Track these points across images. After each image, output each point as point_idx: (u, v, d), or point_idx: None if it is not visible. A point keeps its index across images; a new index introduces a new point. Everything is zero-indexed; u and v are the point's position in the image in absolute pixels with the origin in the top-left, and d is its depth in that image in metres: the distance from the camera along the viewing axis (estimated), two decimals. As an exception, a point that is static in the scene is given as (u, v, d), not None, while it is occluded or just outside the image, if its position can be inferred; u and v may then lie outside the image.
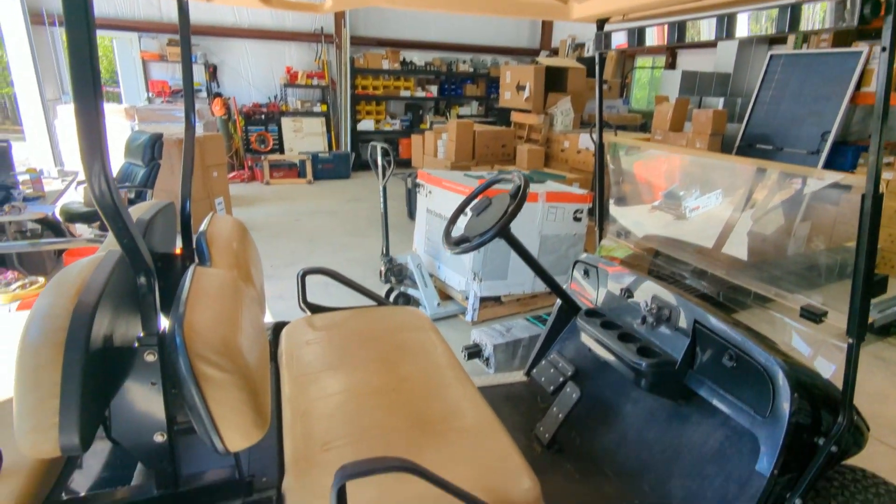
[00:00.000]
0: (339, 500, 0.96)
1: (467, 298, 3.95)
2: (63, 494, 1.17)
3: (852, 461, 1.76)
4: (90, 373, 0.89)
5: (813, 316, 1.50)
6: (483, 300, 3.94)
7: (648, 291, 1.88)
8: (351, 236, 5.86)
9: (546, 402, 2.29)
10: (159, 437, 1.10)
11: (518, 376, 2.46)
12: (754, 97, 6.36)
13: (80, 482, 1.37)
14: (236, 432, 0.99)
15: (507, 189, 1.85)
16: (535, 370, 2.33)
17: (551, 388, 2.19)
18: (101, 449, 1.47)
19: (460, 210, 2.00)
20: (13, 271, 3.60)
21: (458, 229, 2.00)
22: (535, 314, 3.61)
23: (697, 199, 2.54)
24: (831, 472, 1.69)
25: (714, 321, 1.62)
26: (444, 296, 4.22)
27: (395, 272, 4.09)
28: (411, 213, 6.21)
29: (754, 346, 1.49)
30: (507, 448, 1.29)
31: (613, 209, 2.51)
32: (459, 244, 1.78)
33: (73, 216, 4.29)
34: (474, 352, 3.22)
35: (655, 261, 2.20)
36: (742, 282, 1.77)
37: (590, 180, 6.01)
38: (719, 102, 7.06)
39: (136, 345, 1.03)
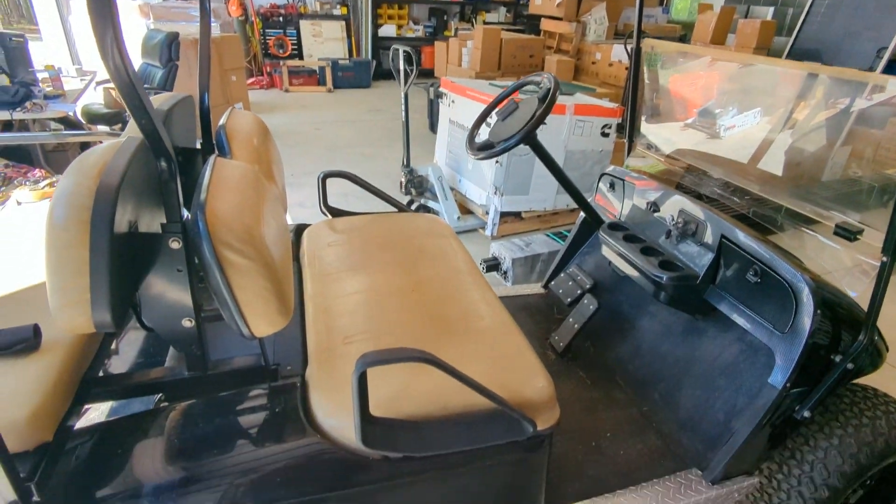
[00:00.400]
0: (359, 386, 0.99)
1: (487, 213, 3.92)
2: (100, 372, 1.23)
3: (863, 381, 1.78)
4: (117, 254, 0.90)
5: (848, 234, 1.45)
6: (503, 215, 3.91)
7: (675, 206, 1.83)
8: (371, 147, 5.77)
9: (562, 314, 2.32)
10: (187, 323, 1.14)
11: (536, 288, 2.48)
12: (808, 7, 5.85)
13: (117, 364, 1.45)
14: (261, 318, 1.02)
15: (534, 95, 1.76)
16: (553, 282, 2.34)
17: (568, 300, 2.21)
18: (134, 337, 1.54)
19: (486, 113, 1.92)
20: (41, 169, 3.65)
21: (483, 136, 1.93)
22: (555, 231, 3.59)
23: (734, 118, 2.40)
24: (842, 390, 1.71)
25: (742, 236, 1.58)
26: (464, 210, 4.20)
27: (416, 184, 4.05)
28: (433, 126, 6.06)
29: (782, 262, 1.46)
30: (522, 348, 1.32)
31: (644, 126, 2.40)
32: (483, 149, 1.73)
33: (94, 117, 4.27)
34: (493, 265, 3.24)
35: (685, 177, 2.12)
36: (775, 197, 1.70)
37: (620, 95, 5.73)
38: (768, 12, 6.53)
39: (161, 231, 1.04)
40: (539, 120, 1.62)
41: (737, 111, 2.38)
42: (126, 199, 0.95)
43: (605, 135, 3.91)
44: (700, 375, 1.74)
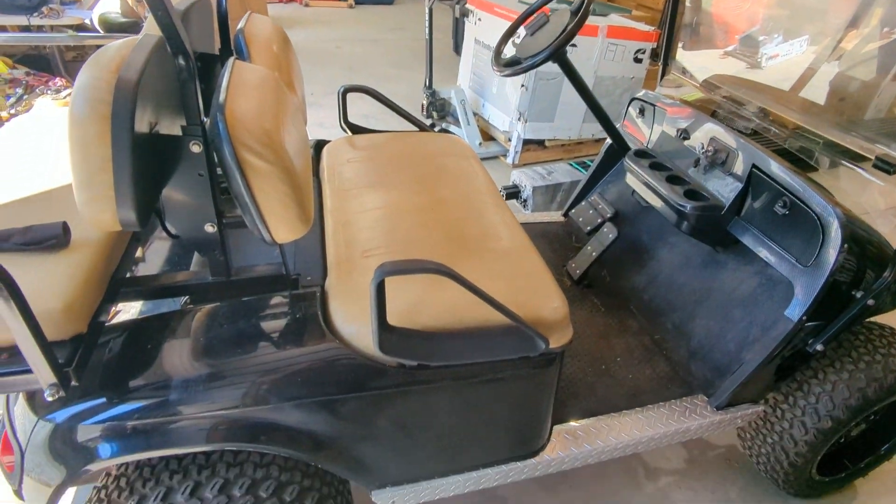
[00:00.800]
0: (377, 295, 1.01)
1: (510, 140, 3.83)
2: (129, 274, 1.27)
3: (881, 320, 1.77)
4: (138, 152, 0.90)
5: (888, 167, 1.39)
6: (526, 143, 3.82)
7: (707, 133, 1.76)
8: (393, 67, 5.59)
9: (580, 243, 2.31)
10: (210, 228, 1.16)
11: (555, 216, 2.46)
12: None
13: (144, 269, 1.50)
14: (282, 224, 1.03)
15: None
16: (573, 210, 2.31)
17: (588, 228, 2.19)
18: (161, 244, 1.58)
19: (515, 26, 1.83)
20: (61, 78, 3.62)
21: (511, 53, 1.84)
22: (578, 160, 3.50)
23: (778, 46, 2.25)
24: (859, 326, 1.71)
25: (774, 166, 1.52)
26: (487, 136, 4.10)
27: (438, 107, 3.95)
28: (457, 47, 5.81)
29: (814, 193, 1.42)
30: (539, 269, 1.32)
31: (680, 54, 2.26)
32: (509, 66, 1.65)
33: (111, 25, 4.16)
34: (513, 192, 3.21)
35: (721, 105, 2.02)
36: (815, 127, 1.62)
37: (657, 19, 5.39)
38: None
39: (182, 134, 1.03)
40: (570, 34, 1.54)
41: (782, 39, 2.23)
42: (145, 97, 0.94)
43: (637, 60, 3.72)
44: (715, 307, 1.74)
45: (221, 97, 0.94)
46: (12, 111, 2.95)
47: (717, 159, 1.69)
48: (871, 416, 1.76)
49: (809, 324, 1.49)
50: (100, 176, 0.87)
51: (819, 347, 1.52)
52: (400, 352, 1.11)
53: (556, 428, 1.53)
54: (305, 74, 5.18)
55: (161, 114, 1.05)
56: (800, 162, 1.71)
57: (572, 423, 1.55)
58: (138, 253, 1.55)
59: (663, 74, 2.12)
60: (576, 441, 1.51)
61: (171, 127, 1.08)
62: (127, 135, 0.85)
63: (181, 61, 0.94)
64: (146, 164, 0.97)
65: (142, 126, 0.93)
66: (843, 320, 1.48)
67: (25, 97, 3.36)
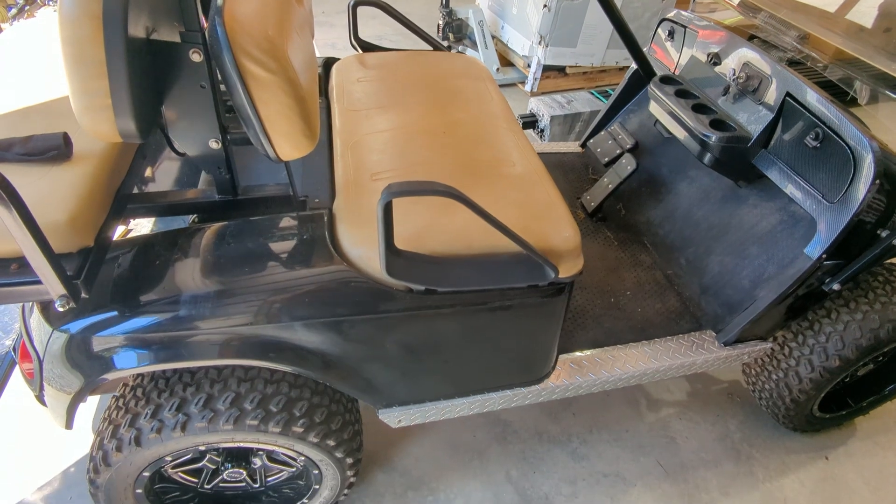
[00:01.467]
0: (385, 216, 0.98)
1: (529, 66, 3.66)
2: (134, 190, 1.26)
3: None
4: (135, 58, 0.86)
5: (934, 97, 1.29)
6: (546, 69, 3.64)
7: (740, 58, 1.64)
8: (409, -14, 5.28)
9: (597, 174, 2.24)
10: (214, 144, 1.12)
11: (572, 146, 2.38)
12: None
13: (151, 186, 1.48)
14: (286, 140, 0.99)
15: None
16: (591, 140, 2.23)
17: (606, 159, 2.12)
18: (169, 162, 1.55)
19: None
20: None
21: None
22: (600, 90, 3.35)
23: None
24: (878, 268, 1.66)
25: (810, 95, 1.43)
26: (505, 62, 3.92)
27: (454, 28, 3.75)
28: (478, -36, 5.45)
29: (850, 125, 1.33)
30: (553, 198, 1.28)
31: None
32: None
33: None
34: (529, 121, 3.10)
35: (758, 27, 1.88)
36: (859, 52, 1.51)
37: (696, -65, 4.97)
38: None
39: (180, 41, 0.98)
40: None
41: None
42: None
43: (671, -19, 3.46)
44: (732, 243, 1.70)
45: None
46: (14, 22, 2.86)
47: (749, 87, 1.59)
48: (879, 357, 1.75)
49: (828, 262, 1.45)
50: (95, 82, 0.83)
51: (836, 287, 1.49)
52: (407, 276, 1.10)
53: (562, 357, 1.54)
54: (316, -9, 4.93)
55: (159, 18, 0.99)
56: (839, 95, 1.61)
57: (578, 353, 1.57)
58: (148, 172, 1.53)
59: (698, -7, 1.96)
60: (580, 370, 1.53)
61: (171, 34, 1.02)
62: (120, 36, 0.80)
63: (176, -43, 0.88)
64: (145, 73, 0.92)
65: (137, 29, 0.88)
66: (864, 260, 1.43)
67: (27, 8, 3.24)
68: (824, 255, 1.41)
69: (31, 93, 1.23)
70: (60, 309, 0.93)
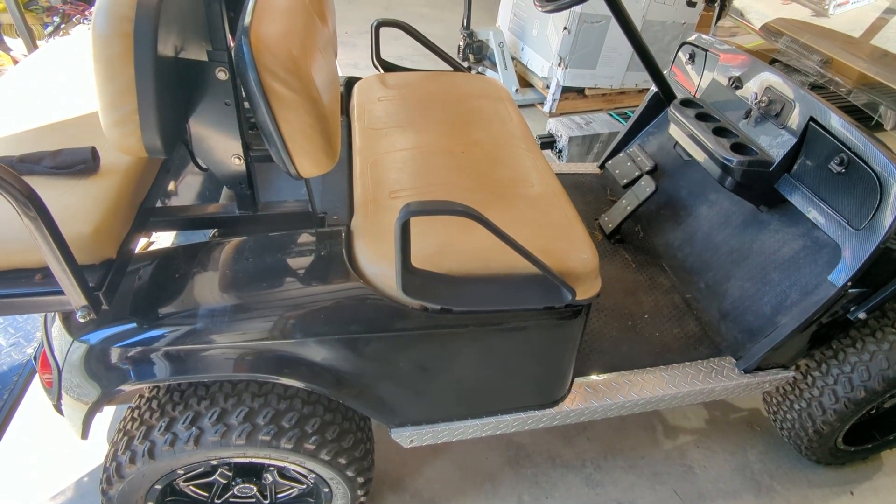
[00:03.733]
0: (402, 235, 0.99)
1: (548, 87, 3.68)
2: (157, 203, 1.28)
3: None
4: (163, 75, 0.88)
5: (963, 124, 1.27)
6: (565, 91, 3.67)
7: (762, 83, 1.63)
8: (430, 7, 5.38)
9: (615, 196, 2.23)
10: (236, 161, 1.14)
11: (590, 167, 2.38)
12: None
13: (174, 199, 1.51)
14: (307, 157, 1.00)
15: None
16: (610, 162, 2.22)
17: (624, 181, 2.11)
18: (191, 177, 1.58)
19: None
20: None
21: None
22: (619, 111, 3.35)
23: (849, -9, 2.05)
24: (906, 297, 1.62)
25: (834, 119, 1.41)
26: (525, 83, 3.95)
27: (475, 49, 3.79)
28: (499, -13, 5.53)
29: (875, 150, 1.31)
30: (571, 219, 1.27)
31: (738, -1, 2.08)
32: (553, 0, 1.55)
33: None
34: (548, 142, 3.10)
35: (780, 52, 1.87)
36: (885, 77, 1.49)
37: (717, -40, 4.99)
38: None
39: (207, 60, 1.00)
40: (622, -34, 1.42)
41: (854, -17, 2.03)
42: (170, 17, 0.91)
43: (691, 4, 3.48)
44: (753, 268, 1.67)
45: (247, 20, 0.90)
46: (50, 39, 2.97)
47: (771, 111, 1.57)
48: (907, 389, 1.69)
49: (853, 290, 1.42)
50: (124, 98, 0.85)
51: (861, 315, 1.45)
52: (423, 295, 1.10)
53: (578, 380, 1.52)
54: (341, 13, 5.04)
55: (187, 37, 1.01)
56: (863, 120, 1.59)
57: (594, 377, 1.54)
58: (171, 186, 1.56)
59: (719, 17, 1.96)
60: (596, 394, 1.50)
61: (198, 52, 1.05)
62: (150, 55, 0.82)
63: (206, -20, 0.90)
64: (172, 90, 0.94)
65: (166, 48, 0.91)
66: (891, 289, 1.40)
67: (63, 26, 3.36)
68: (849, 283, 1.38)
69: (63, 108, 1.27)
70: (81, 320, 0.94)
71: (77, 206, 0.99)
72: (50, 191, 1.00)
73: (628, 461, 1.85)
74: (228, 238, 1.23)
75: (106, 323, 1.09)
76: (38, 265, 0.97)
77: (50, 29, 3.35)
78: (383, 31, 1.76)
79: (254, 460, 1.27)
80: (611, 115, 3.22)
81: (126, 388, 1.13)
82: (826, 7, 2.06)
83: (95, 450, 1.74)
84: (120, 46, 0.82)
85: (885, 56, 1.62)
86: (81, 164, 1.04)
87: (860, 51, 1.68)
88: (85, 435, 1.21)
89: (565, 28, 3.33)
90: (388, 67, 1.89)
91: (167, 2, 0.87)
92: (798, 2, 2.18)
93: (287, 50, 0.91)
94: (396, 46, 4.29)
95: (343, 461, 1.29)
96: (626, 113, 3.27)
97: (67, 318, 1.11)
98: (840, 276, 1.39)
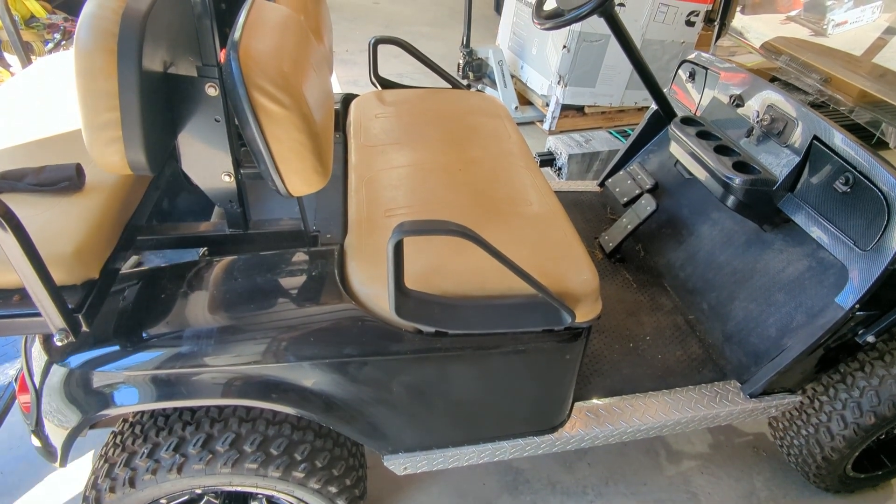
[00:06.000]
0: (395, 256, 0.95)
1: (548, 104, 3.67)
2: (145, 221, 1.25)
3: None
4: (148, 91, 0.85)
5: (971, 143, 1.24)
6: (565, 108, 3.66)
7: (764, 100, 1.61)
8: (431, 26, 5.42)
9: (615, 215, 2.20)
10: (227, 178, 1.11)
11: (590, 185, 2.35)
12: None
13: (164, 218, 1.48)
14: (297, 176, 0.97)
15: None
16: (610, 180, 2.19)
17: (624, 199, 2.08)
18: (183, 194, 1.55)
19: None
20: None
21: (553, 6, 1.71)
22: (619, 129, 3.34)
23: (847, 12, 2.04)
24: (915, 320, 1.57)
25: (838, 138, 1.38)
26: (524, 101, 3.95)
27: (474, 67, 3.80)
28: (498, 8, 5.58)
29: (882, 169, 1.28)
30: (570, 238, 1.24)
31: (738, 18, 2.07)
32: (551, 18, 1.53)
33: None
34: (547, 159, 3.09)
35: (781, 70, 1.85)
36: (887, 94, 1.47)
37: (715, -19, 5.03)
38: None
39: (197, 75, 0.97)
40: (621, -16, 1.40)
41: (852, 3, 2.03)
42: (158, 32, 0.88)
43: (690, 24, 3.49)
44: (757, 289, 1.63)
45: (236, 34, 0.88)
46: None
47: (774, 129, 1.55)
48: (918, 414, 1.64)
49: (861, 313, 1.38)
50: (107, 115, 0.82)
51: (870, 339, 1.41)
52: (417, 317, 1.06)
53: (578, 405, 1.47)
54: (341, 30, 5.07)
55: (177, 53, 0.99)
56: (866, 137, 1.56)
57: (595, 401, 1.49)
58: (162, 204, 1.53)
59: (719, 35, 1.95)
60: (597, 420, 1.45)
61: (188, 68, 1.02)
62: (134, 70, 0.79)
63: (196, -5, 0.88)
64: (158, 105, 0.91)
65: (153, 63, 0.88)
66: (900, 312, 1.36)
67: (63, 42, 3.37)
68: (857, 305, 1.34)
69: (51, 124, 1.24)
70: (59, 343, 0.90)
71: (59, 224, 0.96)
72: (31, 208, 0.97)
73: (630, 488, 1.79)
74: (218, 257, 1.20)
75: (88, 345, 1.05)
76: (16, 285, 0.93)
77: (50, 46, 3.35)
78: (383, 49, 1.75)
79: (240, 489, 1.22)
80: (610, 132, 3.20)
81: (107, 412, 1.09)
82: (825, 27, 2.06)
83: (79, 475, 1.68)
84: (102, 61, 0.79)
85: (885, 74, 1.60)
86: (65, 181, 1.01)
87: (860, 69, 1.66)
88: (63, 462, 1.16)
89: (565, 46, 3.33)
90: (386, 84, 1.87)
91: (156, 16, 0.85)
92: (797, 21, 2.18)
93: (277, 66, 0.89)
94: (396, 65, 4.30)
95: (333, 489, 1.24)
96: (625, 131, 3.26)
97: (47, 340, 1.07)
98: (847, 298, 1.35)
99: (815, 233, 1.45)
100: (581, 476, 1.80)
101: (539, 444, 1.41)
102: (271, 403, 1.11)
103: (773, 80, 1.80)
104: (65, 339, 0.90)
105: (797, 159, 1.48)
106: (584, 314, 1.16)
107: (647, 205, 1.93)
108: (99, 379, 1.05)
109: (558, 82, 3.49)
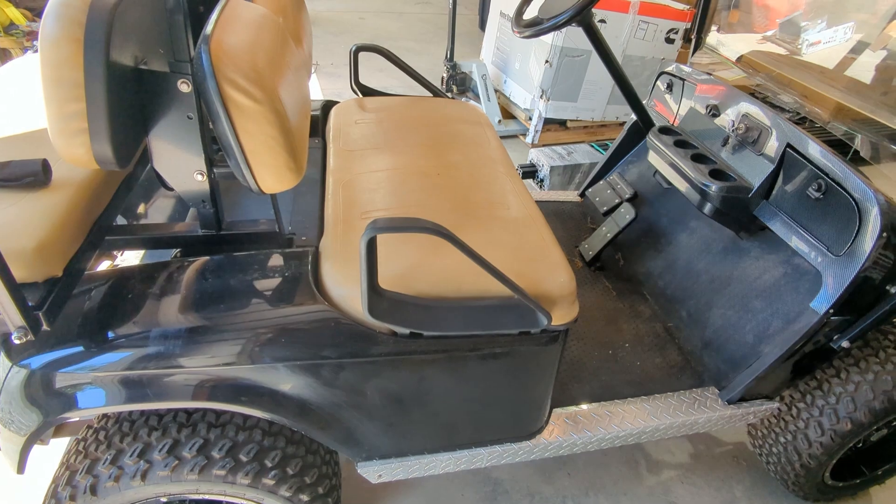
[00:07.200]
0: (368, 254, 0.94)
1: (530, 118, 3.71)
2: (115, 221, 1.22)
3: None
4: (117, 84, 0.84)
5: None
6: (547, 122, 3.70)
7: (739, 110, 1.64)
8: (416, 42, 5.47)
9: (595, 224, 2.21)
10: (199, 177, 1.09)
11: (571, 195, 2.37)
12: None
13: (138, 217, 1.45)
14: (268, 171, 0.96)
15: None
16: (590, 190, 2.21)
17: (604, 209, 2.09)
18: (157, 194, 1.53)
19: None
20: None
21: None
22: (601, 143, 3.38)
23: (821, 33, 2.10)
24: (888, 325, 1.60)
25: (811, 146, 1.41)
26: (507, 114, 3.98)
27: (458, 81, 3.84)
28: (483, 24, 5.65)
29: (853, 176, 1.30)
30: (547, 241, 1.24)
31: (715, 37, 2.12)
32: (530, 26, 1.55)
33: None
34: (529, 171, 3.11)
35: (758, 85, 1.89)
36: (860, 106, 1.50)
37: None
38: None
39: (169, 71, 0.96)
40: (597, -7, 1.43)
41: (825, 25, 2.08)
42: (129, 26, 0.87)
43: (669, 41, 3.56)
44: (735, 296, 1.64)
45: (209, 29, 0.87)
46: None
47: (749, 138, 1.57)
48: (893, 421, 1.65)
49: (836, 318, 1.39)
50: (72, 105, 0.81)
51: (845, 344, 1.42)
52: (391, 318, 1.04)
53: (556, 411, 1.46)
54: (328, 45, 5.10)
55: (149, 48, 0.98)
56: (841, 148, 1.59)
57: (573, 408, 1.48)
58: (140, 206, 1.50)
59: (696, 48, 1.99)
60: (576, 426, 1.44)
61: (161, 64, 1.01)
62: (101, 60, 0.78)
63: (167, -12, 0.87)
64: (127, 99, 0.90)
65: (122, 56, 0.87)
66: (873, 317, 1.37)
67: (36, 42, 3.34)
68: (831, 311, 1.35)
69: (22, 122, 1.22)
70: (17, 341, 0.87)
71: (21, 220, 0.93)
72: (-6, 203, 0.95)
73: (610, 498, 1.77)
74: (190, 258, 1.17)
75: (50, 345, 1.01)
76: None
77: (30, 53, 3.32)
78: (369, 62, 1.75)
79: (207, 497, 1.18)
80: (592, 146, 3.24)
81: (70, 416, 1.05)
82: (799, 46, 2.11)
83: (41, 484, 1.62)
84: (68, 50, 0.77)
85: (861, 87, 1.64)
86: (30, 176, 0.98)
87: (837, 83, 1.70)
88: (21, 469, 1.12)
89: (547, 61, 3.38)
90: (367, 92, 1.88)
91: (126, 9, 0.84)
92: (772, 41, 2.23)
93: (250, 60, 0.88)
94: (381, 78, 4.32)
95: (305, 497, 1.21)
96: (606, 144, 3.29)
97: (6, 341, 1.03)
98: (822, 303, 1.36)
99: (791, 240, 1.47)
100: (561, 486, 1.78)
101: (517, 451, 1.39)
102: (241, 407, 1.08)
103: (751, 94, 1.84)
104: (23, 338, 0.87)
105: (771, 167, 1.50)
106: (561, 317, 1.15)
107: (626, 213, 1.95)
108: (61, 380, 1.02)
109: (541, 96, 3.53)
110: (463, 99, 3.90)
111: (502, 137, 3.84)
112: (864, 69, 1.88)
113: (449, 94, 3.88)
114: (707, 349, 1.65)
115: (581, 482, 1.80)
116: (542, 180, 3.06)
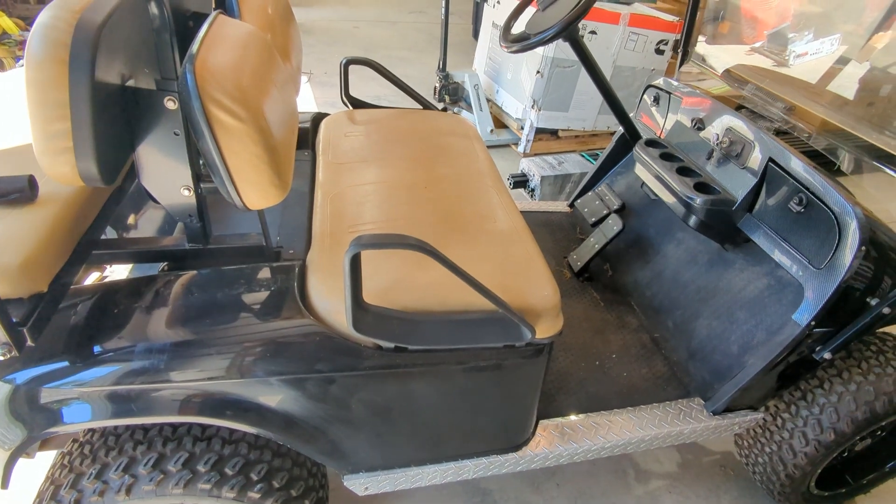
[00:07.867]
0: (352, 269, 0.95)
1: (522, 128, 3.74)
2: (102, 235, 1.22)
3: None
4: (102, 102, 0.85)
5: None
6: (539, 132, 3.72)
7: (723, 124, 1.66)
8: (409, 51, 5.50)
9: (584, 234, 2.23)
10: (186, 192, 1.10)
11: (560, 206, 2.38)
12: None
13: (126, 231, 1.45)
14: (253, 188, 0.97)
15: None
16: (579, 201, 2.23)
17: (593, 219, 2.11)
18: (145, 209, 1.53)
19: (527, 1, 1.74)
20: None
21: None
22: (591, 153, 3.40)
23: (808, 44, 2.14)
24: (870, 336, 1.62)
25: (793, 161, 1.43)
26: (499, 124, 4.01)
27: (451, 90, 3.86)
28: (476, 33, 5.69)
29: (833, 191, 1.32)
30: (532, 255, 1.25)
31: (703, 47, 2.15)
32: (518, 41, 1.57)
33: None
34: (520, 181, 3.13)
35: (743, 98, 1.92)
36: (842, 123, 1.53)
37: (684, 11, 5.22)
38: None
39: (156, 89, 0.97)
40: (583, 9, 1.45)
41: (812, 36, 2.12)
42: (115, 45, 0.88)
43: (659, 52, 3.60)
44: (720, 307, 1.66)
45: (194, 48, 0.88)
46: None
47: (732, 151, 1.60)
48: (877, 431, 1.67)
49: (818, 330, 1.41)
50: (57, 124, 0.82)
51: (827, 355, 1.44)
52: (376, 332, 1.05)
53: (543, 422, 1.47)
54: (320, 54, 5.12)
55: (136, 66, 0.99)
56: (826, 165, 1.62)
57: (559, 419, 1.49)
58: (127, 218, 1.51)
59: (683, 62, 2.02)
60: (562, 437, 1.45)
61: (148, 81, 1.02)
62: (86, 82, 0.79)
63: (153, 9, 0.88)
64: (113, 116, 0.91)
65: (109, 75, 0.88)
66: (854, 328, 1.39)
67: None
68: (813, 322, 1.37)
69: (8, 137, 1.22)
70: (1, 357, 0.87)
71: (6, 236, 0.94)
72: (-21, 220, 0.95)
73: (599, 508, 1.78)
74: (176, 272, 1.18)
75: (35, 360, 1.02)
76: None
77: (22, 62, 3.33)
78: (361, 71, 1.77)
79: (193, 511, 1.18)
80: (582, 155, 3.26)
81: (55, 431, 1.05)
82: (787, 58, 2.14)
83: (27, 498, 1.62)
84: (54, 72, 0.78)
85: (845, 104, 1.66)
86: (16, 192, 0.99)
87: (820, 98, 1.73)
88: (5, 484, 1.12)
89: (538, 72, 3.41)
90: (357, 104, 1.89)
91: (112, 28, 0.85)
92: (760, 52, 2.27)
93: (235, 80, 0.89)
94: (374, 87, 4.35)
95: (291, 512, 1.21)
96: (597, 154, 3.32)
97: (-8, 356, 1.04)
98: (804, 315, 1.38)
99: (774, 252, 1.49)
100: (550, 497, 1.79)
101: (504, 463, 1.40)
102: (227, 421, 1.09)
103: (738, 108, 1.87)
104: (7, 354, 0.87)
105: (754, 180, 1.52)
106: (545, 330, 1.17)
107: (613, 224, 1.97)
108: (46, 395, 1.02)
109: (532, 106, 3.56)
110: (455, 109, 3.93)
111: (494, 147, 3.88)
112: (850, 80, 1.91)
113: (441, 104, 3.91)
114: (693, 360, 1.67)
115: (570, 492, 1.81)
116: (533, 190, 3.08)
